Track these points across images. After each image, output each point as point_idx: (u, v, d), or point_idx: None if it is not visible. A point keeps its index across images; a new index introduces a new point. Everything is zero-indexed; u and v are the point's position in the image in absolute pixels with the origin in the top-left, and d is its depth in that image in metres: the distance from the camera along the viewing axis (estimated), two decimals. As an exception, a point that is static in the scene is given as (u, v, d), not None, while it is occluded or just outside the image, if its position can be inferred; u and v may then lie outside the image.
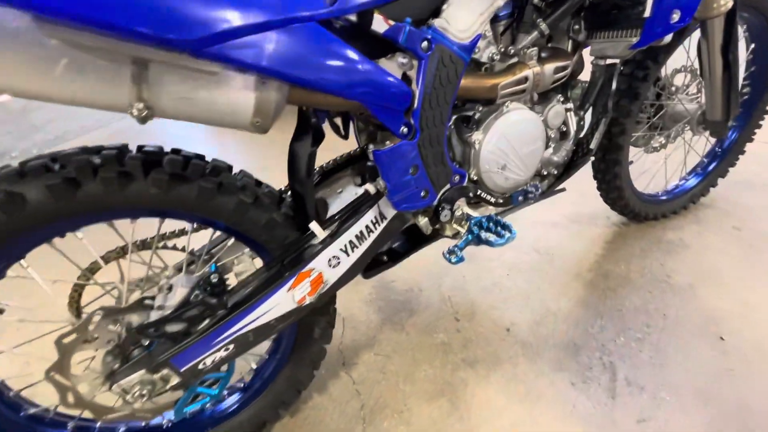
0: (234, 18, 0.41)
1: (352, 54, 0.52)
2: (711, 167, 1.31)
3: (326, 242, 0.64)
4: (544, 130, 0.75)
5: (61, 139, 2.83)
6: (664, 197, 1.29)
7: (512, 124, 0.70)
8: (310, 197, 0.67)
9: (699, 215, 1.35)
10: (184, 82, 0.45)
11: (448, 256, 0.70)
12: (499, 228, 0.68)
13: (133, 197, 0.54)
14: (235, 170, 0.64)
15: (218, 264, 0.69)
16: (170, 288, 0.61)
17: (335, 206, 0.73)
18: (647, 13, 0.69)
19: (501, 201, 0.78)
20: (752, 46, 1.17)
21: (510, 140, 0.71)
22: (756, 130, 1.29)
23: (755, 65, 1.19)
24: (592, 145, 0.86)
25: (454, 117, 0.74)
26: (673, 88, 1.17)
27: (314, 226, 0.64)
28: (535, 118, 0.73)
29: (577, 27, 0.77)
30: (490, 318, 1.06)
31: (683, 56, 1.14)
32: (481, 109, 0.72)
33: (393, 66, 0.60)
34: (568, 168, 0.87)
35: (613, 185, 1.17)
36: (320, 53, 0.49)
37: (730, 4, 0.88)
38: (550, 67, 0.71)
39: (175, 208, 0.58)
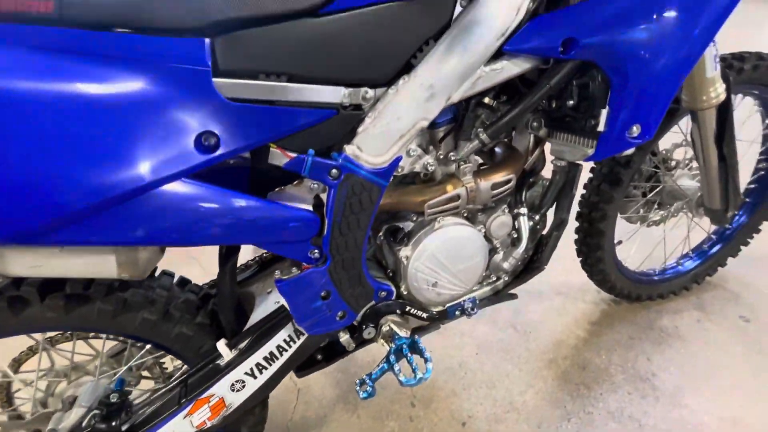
0: (74, 196, 0.39)
1: (236, 200, 0.49)
2: (715, 249, 1.18)
3: (232, 364, 0.62)
4: (485, 244, 0.69)
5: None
6: (657, 278, 1.17)
7: (444, 241, 0.65)
8: (226, 310, 0.65)
9: (703, 298, 1.22)
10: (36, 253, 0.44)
11: (358, 388, 0.66)
12: (416, 363, 0.63)
13: (29, 320, 0.54)
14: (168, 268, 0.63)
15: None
16: (72, 402, 0.61)
17: (261, 310, 0.71)
18: (601, 128, 0.62)
19: (435, 316, 0.73)
20: (766, 121, 1.04)
21: (441, 258, 0.65)
22: (753, 235, 1.16)
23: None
24: (543, 262, 0.78)
25: (384, 227, 0.70)
26: (672, 163, 1.07)
27: (221, 346, 0.62)
28: (471, 233, 0.67)
29: (536, 124, 0.71)
30: (448, 407, 1.00)
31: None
32: (411, 221, 0.68)
33: (303, 190, 0.57)
34: (522, 274, 0.80)
35: (597, 268, 1.07)
36: (191, 211, 0.47)
37: (723, 97, 0.78)
38: (487, 183, 0.65)
39: (79, 326, 0.58)
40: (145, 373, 0.75)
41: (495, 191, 0.66)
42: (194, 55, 0.46)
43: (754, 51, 0.93)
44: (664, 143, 1.02)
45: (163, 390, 0.63)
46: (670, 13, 0.56)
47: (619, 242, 1.09)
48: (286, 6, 0.49)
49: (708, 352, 1.07)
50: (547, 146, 0.75)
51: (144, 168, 0.43)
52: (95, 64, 0.43)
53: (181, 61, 0.45)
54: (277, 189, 0.58)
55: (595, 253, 1.03)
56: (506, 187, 0.67)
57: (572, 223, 0.93)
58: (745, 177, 1.10)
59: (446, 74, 0.55)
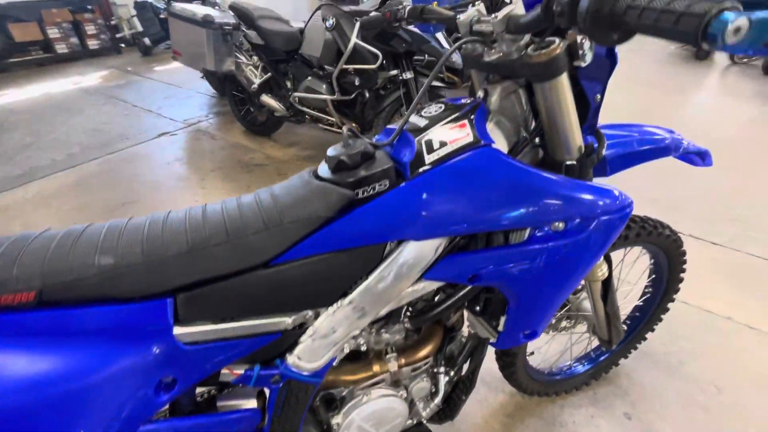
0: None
1: (195, 422, 0.58)
2: (602, 358, 1.41)
3: None
4: (407, 407, 0.82)
5: (27, 177, 2.83)
6: (558, 377, 1.38)
7: (371, 413, 0.77)
8: None
9: (598, 393, 1.44)
10: None
11: None
12: None
13: None
14: None
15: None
16: None
17: None
18: (500, 328, 0.77)
19: None
20: (652, 277, 1.28)
21: (368, 426, 0.78)
22: (637, 345, 1.43)
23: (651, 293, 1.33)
24: (454, 414, 0.93)
25: (321, 394, 0.81)
26: (579, 285, 1.26)
27: None
28: (395, 402, 0.80)
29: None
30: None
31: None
32: (342, 391, 0.79)
33: (248, 392, 0.67)
34: (433, 417, 0.94)
35: (513, 377, 1.25)
36: None
37: (606, 275, 0.97)
38: (409, 367, 0.78)
39: None
40: None
41: (415, 372, 0.80)
42: (158, 316, 0.54)
43: (643, 216, 1.14)
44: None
45: None
46: (558, 256, 0.71)
47: (531, 353, 1.28)
48: (241, 264, 0.59)
49: (595, 449, 1.28)
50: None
51: (115, 424, 0.51)
52: (69, 340, 0.50)
53: (147, 322, 0.54)
54: (225, 391, 0.67)
55: (510, 368, 1.20)
56: (427, 363, 0.81)
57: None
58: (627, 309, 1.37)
59: (376, 299, 0.66)
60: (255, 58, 2.99)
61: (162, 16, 5.10)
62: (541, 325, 0.78)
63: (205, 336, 0.58)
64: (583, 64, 0.62)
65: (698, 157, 0.97)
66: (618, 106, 3.91)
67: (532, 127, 0.75)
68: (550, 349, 1.46)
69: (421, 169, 0.64)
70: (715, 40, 0.34)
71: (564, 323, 1.30)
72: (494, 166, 0.64)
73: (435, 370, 0.86)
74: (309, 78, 2.71)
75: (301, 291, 0.62)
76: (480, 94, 0.76)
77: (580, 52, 0.60)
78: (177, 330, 0.55)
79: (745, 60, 5.80)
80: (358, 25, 2.34)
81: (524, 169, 0.64)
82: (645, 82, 4.74)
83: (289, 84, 2.93)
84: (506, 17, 0.62)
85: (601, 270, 0.95)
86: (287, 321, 0.63)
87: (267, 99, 2.98)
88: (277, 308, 0.62)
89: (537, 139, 0.74)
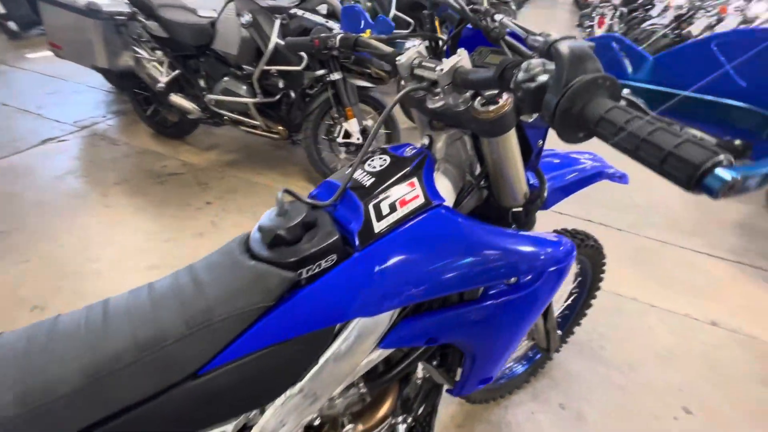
0: None
1: None
2: (539, 356, 1.52)
3: None
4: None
5: None
6: (502, 380, 1.46)
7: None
8: None
9: (536, 388, 1.55)
10: None
11: None
12: None
13: None
14: None
15: None
16: None
17: None
18: (457, 378, 0.77)
19: None
20: (578, 280, 1.39)
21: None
22: (566, 340, 1.57)
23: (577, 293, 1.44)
24: None
25: None
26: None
27: None
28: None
29: None
30: None
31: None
32: None
33: None
34: None
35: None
36: None
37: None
38: (365, 428, 0.75)
39: None
40: None
41: None
42: None
43: (572, 229, 1.22)
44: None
45: None
46: (510, 309, 0.71)
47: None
48: (160, 384, 0.49)
49: (538, 445, 1.38)
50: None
51: None
52: None
53: None
54: None
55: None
56: (382, 427, 0.78)
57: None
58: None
59: (329, 381, 0.61)
60: (159, 53, 2.64)
61: (33, -4, 4.27)
62: (496, 371, 0.79)
63: None
64: (530, 120, 0.61)
65: (618, 178, 1.05)
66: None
67: (477, 172, 0.73)
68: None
69: (370, 240, 0.58)
70: (710, 193, 0.32)
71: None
72: (447, 230, 0.61)
73: (393, 421, 0.84)
74: (226, 78, 2.46)
75: (241, 395, 0.54)
76: (425, 141, 0.72)
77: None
78: None
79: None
80: (278, 23, 2.16)
81: (476, 229, 0.63)
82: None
83: (202, 82, 2.64)
84: (452, 70, 0.58)
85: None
86: (228, 429, 0.55)
87: (177, 99, 2.66)
88: (212, 420, 0.53)
89: (482, 182, 0.73)
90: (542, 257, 0.67)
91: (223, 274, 0.56)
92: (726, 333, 1.79)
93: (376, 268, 0.57)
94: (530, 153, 0.72)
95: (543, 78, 0.44)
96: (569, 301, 1.50)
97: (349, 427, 0.72)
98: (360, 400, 0.76)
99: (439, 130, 0.70)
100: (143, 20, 2.51)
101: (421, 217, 0.60)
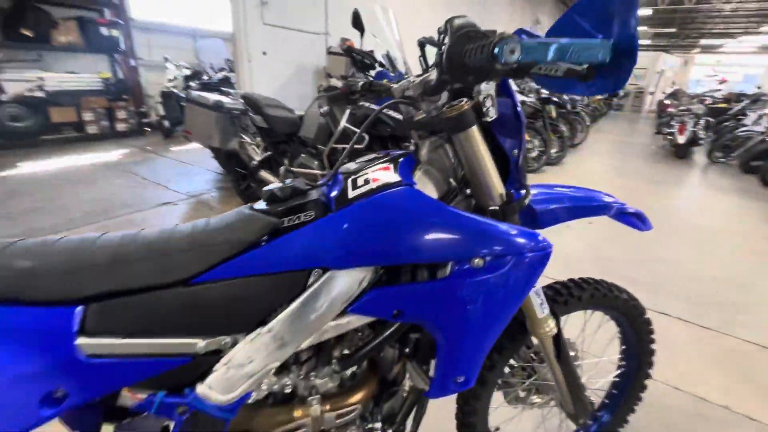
0: None
1: None
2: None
3: None
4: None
5: (21, 236, 2.91)
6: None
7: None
8: None
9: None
10: None
11: None
12: None
13: None
14: None
15: None
16: None
17: None
18: (431, 374, 0.74)
19: None
20: (623, 347, 1.24)
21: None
22: (627, 417, 1.29)
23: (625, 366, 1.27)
24: None
25: None
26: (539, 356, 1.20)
27: None
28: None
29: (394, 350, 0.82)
30: None
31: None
32: None
33: (150, 422, 0.63)
34: None
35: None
36: None
37: (555, 330, 0.94)
38: (332, 414, 0.74)
39: None
40: None
41: (339, 420, 0.75)
42: (62, 323, 0.55)
43: (598, 279, 1.14)
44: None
45: None
46: (478, 293, 0.71)
47: (497, 428, 1.17)
48: (160, 279, 0.60)
49: None
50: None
51: None
52: None
53: (49, 329, 0.54)
54: (127, 419, 0.64)
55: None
56: (351, 415, 0.76)
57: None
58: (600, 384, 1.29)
59: (297, 329, 0.66)
60: (258, 138, 3.28)
61: (183, 103, 5.72)
62: (473, 372, 0.74)
63: (108, 350, 0.57)
64: (489, 119, 0.71)
65: (638, 221, 1.00)
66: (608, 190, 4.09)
67: (460, 176, 0.82)
68: (520, 427, 1.33)
69: (344, 204, 0.69)
70: (500, 58, 0.53)
71: (534, 398, 1.21)
72: (413, 204, 0.68)
73: (369, 426, 0.80)
74: (303, 156, 2.94)
75: (219, 313, 0.63)
76: (411, 147, 0.84)
77: (484, 109, 0.70)
78: (80, 340, 0.55)
79: (722, 159, 6.20)
80: (348, 111, 2.62)
81: (442, 206, 0.69)
82: (632, 175, 5.05)
83: (286, 161, 3.16)
84: (422, 81, 0.75)
85: (548, 325, 0.93)
86: (199, 344, 0.62)
87: (265, 174, 3.19)
88: (191, 330, 0.62)
89: (468, 190, 0.80)
90: (510, 242, 0.69)
91: (227, 218, 0.70)
92: None
93: (346, 226, 0.66)
94: (507, 163, 0.79)
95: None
96: (617, 377, 1.30)
97: (314, 398, 0.72)
98: (333, 382, 0.76)
99: (423, 138, 0.83)
100: (252, 114, 3.22)
101: (390, 191, 0.69)
